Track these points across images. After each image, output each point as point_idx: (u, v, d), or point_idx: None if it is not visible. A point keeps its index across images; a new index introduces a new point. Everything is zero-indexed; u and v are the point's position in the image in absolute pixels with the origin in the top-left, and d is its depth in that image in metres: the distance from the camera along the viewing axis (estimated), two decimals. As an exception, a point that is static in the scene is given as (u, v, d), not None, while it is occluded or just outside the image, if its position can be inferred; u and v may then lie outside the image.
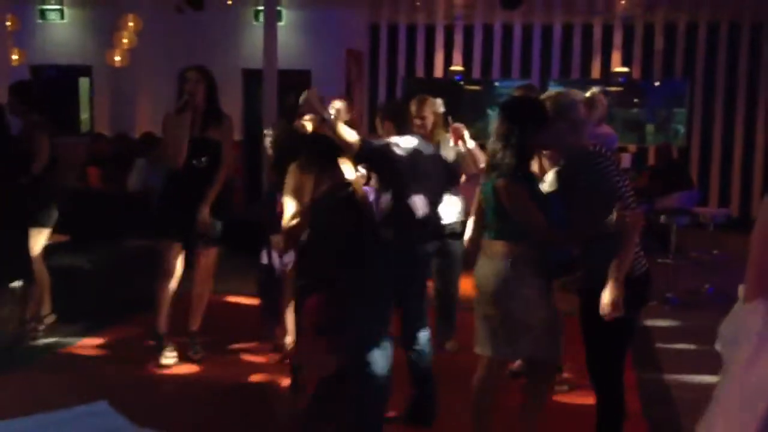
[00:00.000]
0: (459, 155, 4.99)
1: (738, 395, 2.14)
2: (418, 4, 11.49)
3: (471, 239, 4.96)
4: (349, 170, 4.04)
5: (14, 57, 9.48)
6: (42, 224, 5.45)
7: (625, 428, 3.43)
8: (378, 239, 3.94)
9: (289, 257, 4.79)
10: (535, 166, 3.72)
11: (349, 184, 3.90)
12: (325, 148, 3.97)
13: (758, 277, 2.20)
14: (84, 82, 12.33)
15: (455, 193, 5.15)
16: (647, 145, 12.31)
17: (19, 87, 5.64)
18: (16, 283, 5.45)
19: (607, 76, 12.27)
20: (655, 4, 11.16)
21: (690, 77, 12.31)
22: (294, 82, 9.95)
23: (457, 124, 4.80)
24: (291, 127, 4.78)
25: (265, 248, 5.12)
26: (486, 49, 12.80)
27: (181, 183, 5.00)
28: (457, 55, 12.84)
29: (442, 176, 4.40)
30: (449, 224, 5.02)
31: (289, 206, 3.90)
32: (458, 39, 12.84)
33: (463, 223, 5.02)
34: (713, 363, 2.49)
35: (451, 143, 4.92)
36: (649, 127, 12.53)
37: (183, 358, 5.15)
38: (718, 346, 2.32)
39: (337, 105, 5.36)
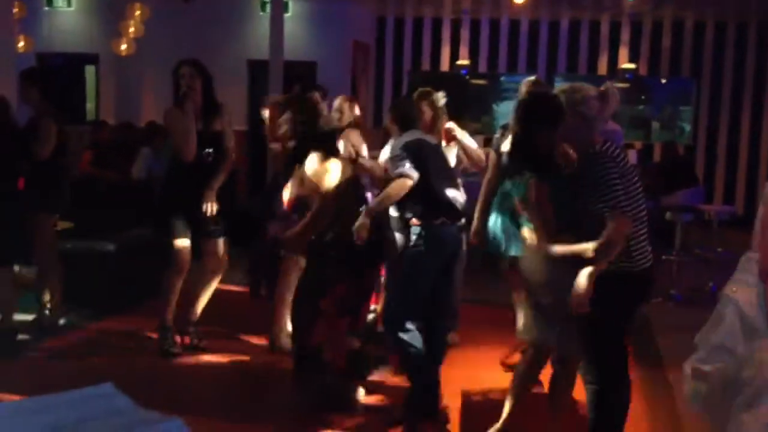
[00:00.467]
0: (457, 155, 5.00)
1: None
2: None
3: (476, 232, 4.99)
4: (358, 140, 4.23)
5: (21, 44, 9.47)
6: (52, 210, 5.45)
7: (626, 425, 3.44)
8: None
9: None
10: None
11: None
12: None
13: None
14: (90, 70, 12.32)
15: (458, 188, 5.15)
16: (653, 142, 12.29)
17: (34, 74, 5.60)
18: (18, 268, 5.46)
19: (614, 73, 12.24)
20: (663, 1, 11.13)
21: (697, 75, 12.28)
22: (300, 73, 9.94)
23: (449, 125, 4.74)
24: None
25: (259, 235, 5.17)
26: (492, 43, 12.78)
27: (189, 175, 4.99)
28: (464, 49, 12.83)
29: (449, 164, 4.44)
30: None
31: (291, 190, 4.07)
32: (465, 33, 12.82)
33: (466, 217, 5.03)
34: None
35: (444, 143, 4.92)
36: (655, 125, 12.49)
37: (185, 347, 5.17)
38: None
39: (337, 104, 5.35)
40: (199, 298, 5.25)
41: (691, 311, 6.52)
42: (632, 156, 10.71)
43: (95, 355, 5.12)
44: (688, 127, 12.32)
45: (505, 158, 4.82)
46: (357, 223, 4.03)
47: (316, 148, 4.42)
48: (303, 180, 4.47)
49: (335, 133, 4.84)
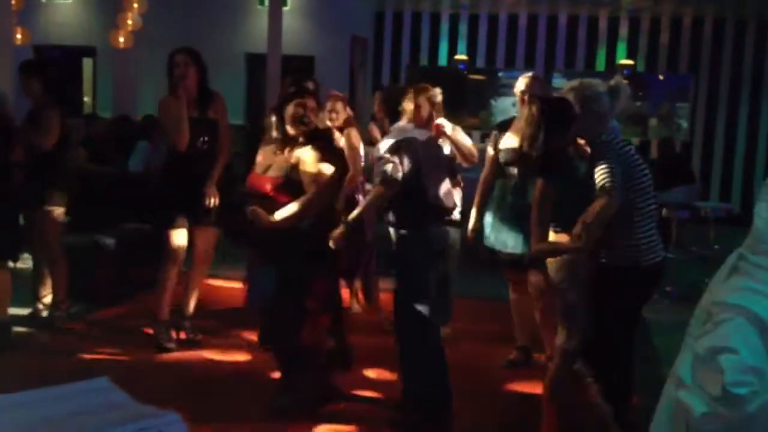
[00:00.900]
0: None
1: None
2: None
3: (473, 230, 4.98)
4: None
5: (18, 36, 9.43)
6: (54, 203, 5.43)
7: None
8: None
9: None
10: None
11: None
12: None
13: None
14: (88, 63, 12.29)
15: (454, 184, 5.12)
16: (650, 138, 12.30)
17: (35, 66, 5.57)
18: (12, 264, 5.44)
19: (612, 69, 12.24)
20: (662, -3, 11.14)
21: (695, 72, 12.28)
22: (298, 67, 9.93)
23: (439, 121, 4.67)
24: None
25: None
26: (491, 38, 12.77)
27: (184, 164, 4.98)
28: (462, 44, 12.82)
29: (443, 160, 4.38)
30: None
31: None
32: (463, 28, 12.81)
33: (462, 213, 5.01)
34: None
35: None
36: (652, 121, 12.50)
37: (180, 341, 5.17)
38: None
39: (330, 105, 5.30)
40: (193, 290, 5.24)
41: (687, 308, 6.51)
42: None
43: (91, 349, 5.10)
44: (685, 124, 12.33)
45: (502, 156, 4.81)
46: (335, 231, 3.99)
47: (312, 144, 4.32)
48: (294, 167, 4.27)
49: (331, 133, 4.78)
